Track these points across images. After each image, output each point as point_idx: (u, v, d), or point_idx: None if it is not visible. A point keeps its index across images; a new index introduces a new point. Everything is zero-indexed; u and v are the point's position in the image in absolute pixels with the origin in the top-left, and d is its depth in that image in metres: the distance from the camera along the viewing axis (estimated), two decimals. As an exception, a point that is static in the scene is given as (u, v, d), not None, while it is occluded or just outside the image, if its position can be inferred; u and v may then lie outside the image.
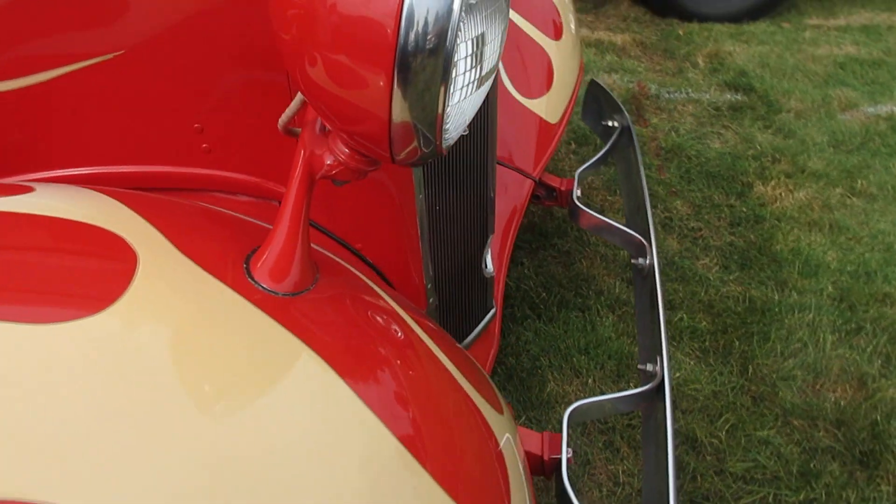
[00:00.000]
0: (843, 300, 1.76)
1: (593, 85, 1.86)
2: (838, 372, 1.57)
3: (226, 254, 0.60)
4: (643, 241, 1.42)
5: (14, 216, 0.55)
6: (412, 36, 0.49)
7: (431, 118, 0.54)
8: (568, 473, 1.00)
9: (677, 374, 1.55)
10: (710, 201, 2.14)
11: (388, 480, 0.53)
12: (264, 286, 0.59)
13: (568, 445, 1.03)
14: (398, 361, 0.63)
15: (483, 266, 1.30)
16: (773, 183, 2.18)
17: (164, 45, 0.76)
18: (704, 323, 1.71)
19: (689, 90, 2.75)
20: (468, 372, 0.76)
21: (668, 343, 1.21)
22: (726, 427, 1.45)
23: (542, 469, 1.03)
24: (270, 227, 0.63)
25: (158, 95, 0.79)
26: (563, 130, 1.65)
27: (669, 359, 1.18)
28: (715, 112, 2.60)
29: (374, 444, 0.53)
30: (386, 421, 0.55)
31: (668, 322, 1.69)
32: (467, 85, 0.56)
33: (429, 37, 0.49)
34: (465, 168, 1.10)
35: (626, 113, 1.76)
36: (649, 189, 2.16)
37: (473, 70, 0.55)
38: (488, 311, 1.36)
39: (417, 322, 0.73)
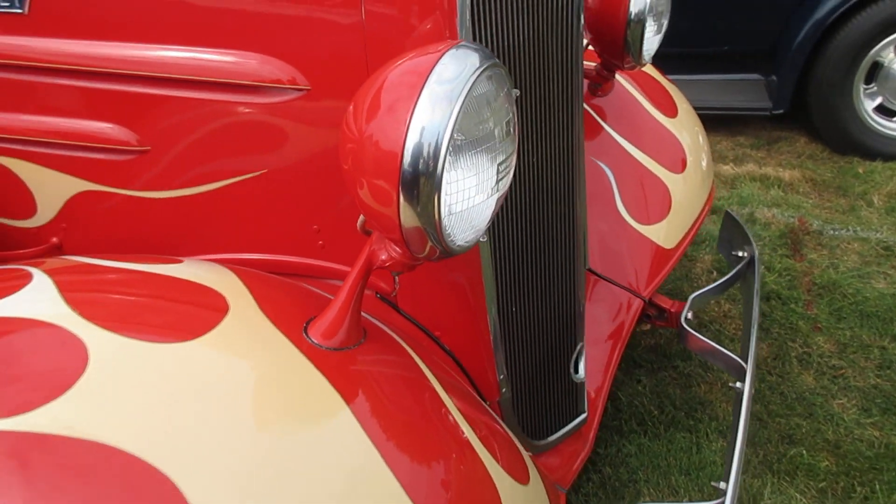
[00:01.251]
0: None
1: (727, 217, 1.94)
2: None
3: (292, 316, 0.83)
4: (743, 364, 1.46)
5: (160, 276, 0.83)
6: (409, 165, 0.70)
7: (432, 225, 0.75)
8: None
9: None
10: (859, 341, 2.06)
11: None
12: (314, 341, 0.81)
13: None
14: (408, 410, 0.81)
15: (572, 371, 1.42)
16: (935, 329, 2.06)
17: (296, 169, 1.04)
18: (826, 462, 1.65)
19: (858, 228, 2.66)
20: (489, 442, 0.91)
21: (740, 467, 1.23)
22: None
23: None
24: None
25: (289, 203, 1.07)
26: (679, 256, 1.75)
27: (738, 482, 1.21)
28: (884, 252, 2.50)
29: (356, 456, 0.71)
30: (377, 445, 0.73)
31: (784, 456, 1.66)
32: (463, 202, 0.75)
33: (421, 166, 0.70)
34: (545, 279, 1.26)
35: (753, 244, 1.82)
36: (792, 323, 2.15)
37: (468, 190, 0.75)
38: (578, 416, 1.46)
39: (446, 389, 0.90)
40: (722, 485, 1.22)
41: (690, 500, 1.55)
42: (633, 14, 1.52)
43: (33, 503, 0.57)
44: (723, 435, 1.72)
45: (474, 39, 0.94)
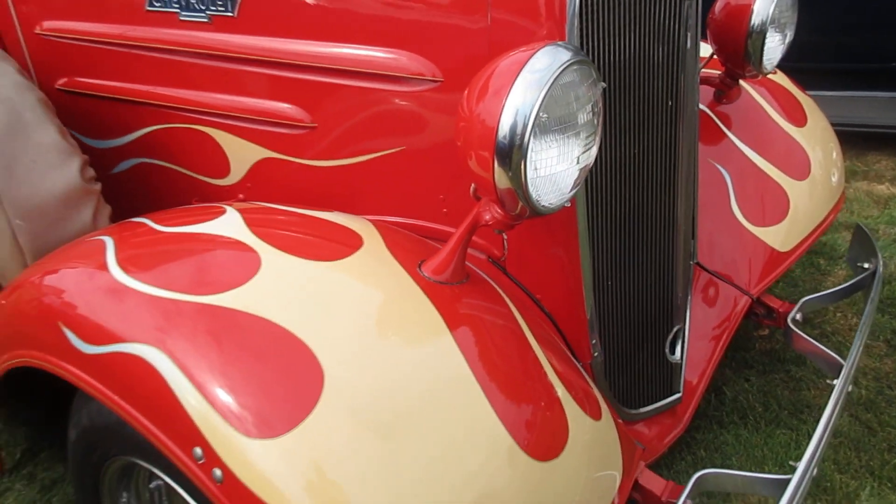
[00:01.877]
0: None
1: (858, 229, 1.96)
2: None
3: (410, 255, 1.05)
4: (841, 362, 1.52)
5: (315, 218, 1.09)
6: (502, 138, 0.90)
7: (521, 187, 0.94)
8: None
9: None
10: None
11: (464, 420, 0.90)
12: (425, 274, 1.03)
13: (689, 498, 1.24)
14: (497, 340, 1.00)
15: (667, 351, 1.54)
16: None
17: (427, 147, 1.27)
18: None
19: None
20: (565, 375, 1.08)
21: (821, 451, 1.31)
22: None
23: (656, 505, 1.25)
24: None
25: (420, 176, 1.29)
26: (793, 260, 1.80)
27: (812, 463, 1.28)
28: None
29: (450, 368, 0.92)
30: (469, 362, 0.93)
31: (888, 463, 1.68)
32: (543, 170, 0.94)
33: (512, 138, 0.90)
34: (641, 262, 1.40)
35: (879, 257, 1.84)
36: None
37: (550, 160, 0.94)
38: (672, 395, 1.58)
39: (536, 337, 1.08)
40: (798, 464, 1.30)
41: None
42: (754, 25, 1.62)
43: (217, 347, 0.83)
44: (825, 437, 1.75)
45: (581, 44, 1.12)
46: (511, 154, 0.92)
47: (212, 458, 0.81)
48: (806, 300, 1.77)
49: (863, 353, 2.08)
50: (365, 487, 0.80)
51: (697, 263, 1.74)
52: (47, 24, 1.48)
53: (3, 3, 1.45)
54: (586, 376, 1.20)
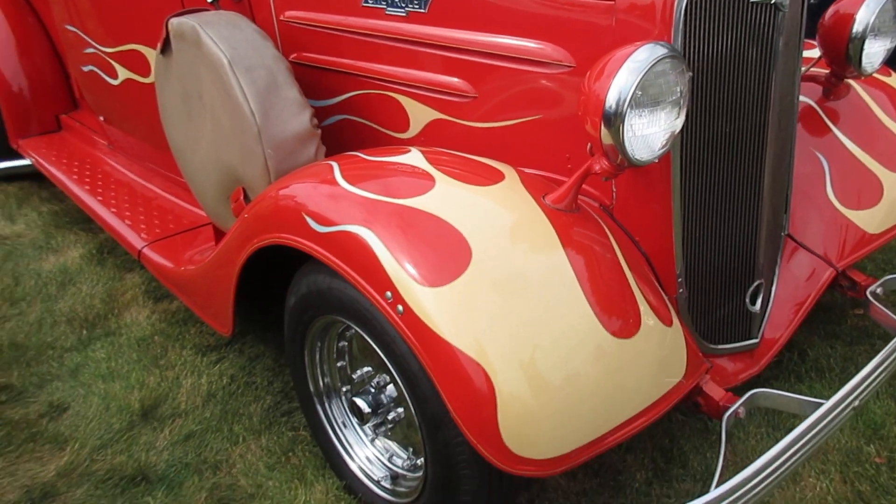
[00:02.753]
0: None
1: None
2: None
3: (537, 189, 1.46)
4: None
5: (472, 160, 1.54)
6: (608, 108, 1.29)
7: (620, 144, 1.32)
8: (729, 422, 1.55)
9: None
10: None
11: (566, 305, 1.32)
12: (546, 202, 1.44)
13: (737, 414, 1.57)
14: (588, 246, 1.40)
15: (748, 301, 1.85)
16: None
17: (560, 118, 1.67)
18: None
19: None
20: (650, 295, 1.46)
21: (868, 386, 1.58)
22: None
23: (716, 412, 1.59)
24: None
25: (553, 138, 1.69)
26: (881, 242, 2.04)
27: (854, 393, 1.57)
28: None
29: (560, 274, 1.33)
30: (576, 271, 1.33)
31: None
32: (638, 131, 1.32)
33: (614, 108, 1.28)
34: (728, 224, 1.72)
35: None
36: None
37: (643, 125, 1.31)
38: (749, 339, 1.88)
39: (629, 264, 1.46)
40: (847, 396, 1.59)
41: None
42: (856, 32, 1.87)
43: (404, 229, 1.30)
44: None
45: (684, 42, 1.47)
46: (613, 119, 1.31)
47: (397, 299, 1.27)
48: (888, 278, 2.01)
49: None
50: (491, 325, 1.23)
51: (789, 235, 2.03)
52: (289, 13, 2.01)
53: (267, 2, 2.00)
54: (665, 296, 1.56)
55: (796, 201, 2.02)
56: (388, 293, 1.29)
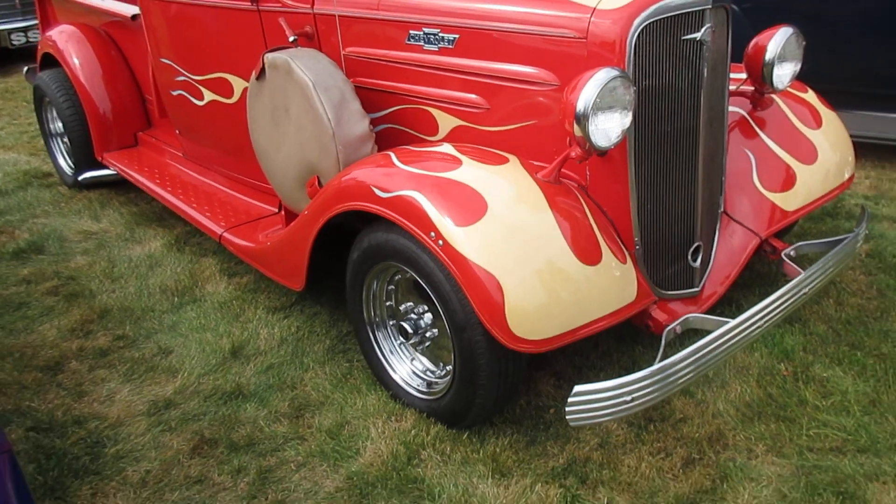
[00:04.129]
0: None
1: (862, 208, 2.80)
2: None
3: (532, 169, 2.12)
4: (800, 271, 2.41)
5: (483, 150, 2.20)
6: (577, 111, 1.95)
7: (587, 135, 1.98)
8: (668, 336, 2.19)
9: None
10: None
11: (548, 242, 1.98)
12: (539, 177, 2.09)
13: (673, 330, 2.21)
14: (566, 204, 2.05)
15: (689, 259, 2.49)
16: None
17: (549, 123, 2.33)
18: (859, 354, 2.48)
19: None
20: (609, 240, 2.10)
21: (771, 312, 2.21)
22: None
23: (659, 329, 2.23)
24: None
25: (544, 136, 2.34)
26: (794, 218, 2.68)
27: (757, 314, 2.20)
28: None
29: (547, 227, 1.98)
30: (558, 223, 1.99)
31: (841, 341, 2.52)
32: (599, 126, 1.97)
33: (582, 111, 1.94)
34: (672, 200, 2.37)
35: (864, 224, 2.67)
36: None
37: (602, 121, 1.97)
38: (691, 288, 2.52)
39: (597, 223, 2.11)
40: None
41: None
42: (768, 58, 2.55)
43: (443, 191, 1.96)
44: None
45: (634, 68, 2.13)
46: (582, 119, 1.97)
47: (438, 235, 1.93)
48: (799, 244, 2.66)
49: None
50: (501, 251, 1.89)
51: (725, 212, 2.67)
52: (350, 48, 2.69)
53: (334, 38, 2.68)
54: (622, 245, 2.20)
55: (730, 187, 2.68)
56: (432, 233, 1.95)
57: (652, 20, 2.12)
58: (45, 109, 4.58)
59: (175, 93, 3.51)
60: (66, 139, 4.49)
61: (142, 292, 3.23)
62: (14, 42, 7.44)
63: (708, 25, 2.21)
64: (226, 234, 3.11)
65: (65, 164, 4.59)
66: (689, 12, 2.19)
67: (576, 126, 2.00)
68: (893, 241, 3.28)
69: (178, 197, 3.56)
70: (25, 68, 5.04)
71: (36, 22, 7.42)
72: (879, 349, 2.55)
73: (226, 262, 3.43)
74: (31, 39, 7.48)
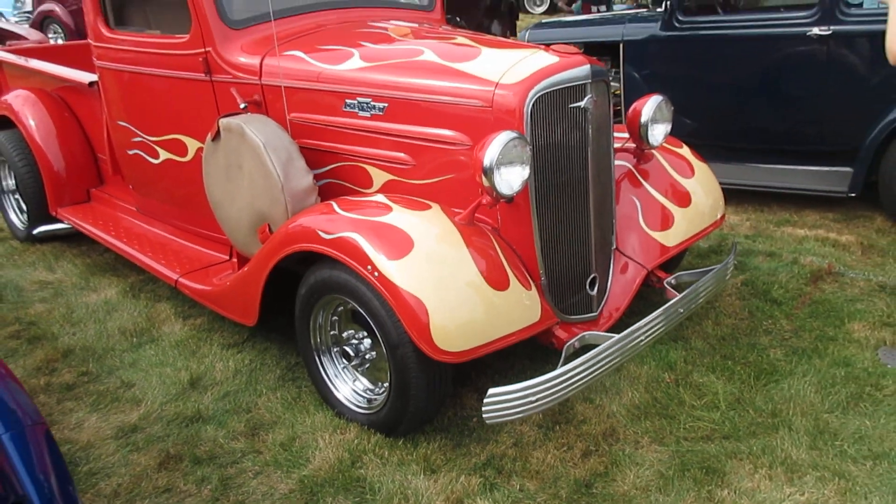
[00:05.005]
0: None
1: (734, 244, 3.35)
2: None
3: (451, 214, 2.57)
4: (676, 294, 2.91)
5: (411, 199, 2.65)
6: (485, 165, 2.41)
7: (493, 184, 2.44)
8: (568, 350, 2.64)
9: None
10: (813, 326, 3.28)
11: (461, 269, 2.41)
12: (456, 220, 2.54)
13: (573, 345, 2.66)
14: (479, 243, 2.49)
15: (587, 288, 2.96)
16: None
17: (465, 176, 2.79)
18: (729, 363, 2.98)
19: (872, 273, 3.77)
20: (517, 271, 2.55)
21: (645, 332, 2.69)
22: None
23: (560, 345, 2.68)
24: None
25: (459, 187, 2.80)
26: (674, 252, 3.20)
27: (639, 334, 2.68)
28: (879, 288, 3.61)
29: (463, 262, 2.42)
30: (473, 258, 2.43)
31: (716, 352, 3.01)
32: (503, 178, 2.44)
33: (488, 165, 2.41)
34: (570, 239, 2.85)
35: (732, 256, 3.22)
36: (773, 314, 3.40)
37: (505, 173, 2.44)
38: (590, 313, 2.98)
39: (506, 259, 2.56)
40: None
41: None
42: (643, 121, 3.10)
43: (377, 232, 2.39)
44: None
45: (531, 130, 2.62)
46: (488, 172, 2.43)
47: (374, 268, 2.34)
48: (679, 274, 3.18)
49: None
50: (427, 281, 2.31)
51: (617, 249, 3.17)
52: (294, 114, 3.11)
53: (280, 105, 3.10)
54: (527, 275, 2.66)
55: (620, 227, 3.18)
56: (369, 266, 2.36)
57: (544, 92, 2.63)
58: (-2, 168, 4.83)
59: (131, 152, 3.85)
60: (17, 196, 4.75)
61: (101, 334, 3.51)
62: (-45, 103, 7.59)
63: (589, 96, 2.73)
64: (181, 279, 3.44)
65: (16, 219, 4.83)
66: (574, 85, 2.71)
67: (484, 178, 2.47)
68: (765, 272, 3.85)
69: (134, 247, 3.87)
70: (-25, 130, 5.29)
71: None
72: (747, 358, 3.06)
73: (179, 306, 3.74)
74: (-28, 101, 7.64)
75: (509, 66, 2.69)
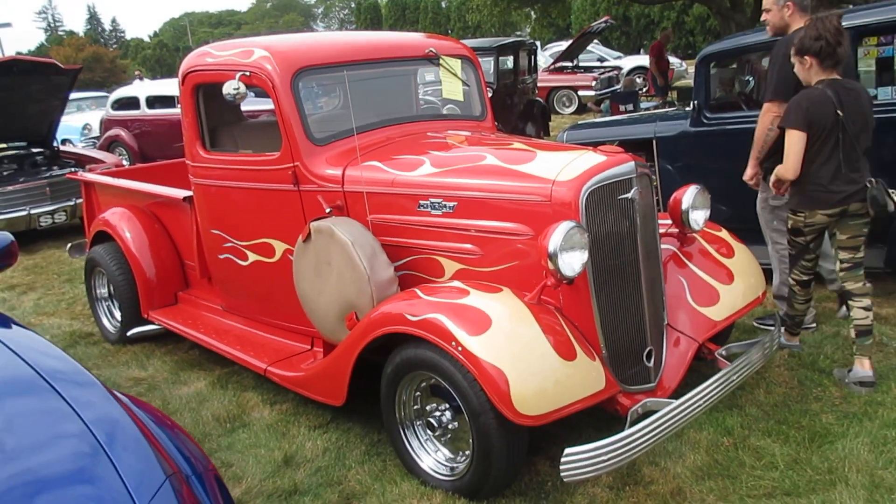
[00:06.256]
0: None
1: (777, 316, 3.62)
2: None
3: (521, 295, 2.91)
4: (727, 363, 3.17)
5: (487, 284, 3.01)
6: (549, 252, 2.77)
7: (557, 268, 2.79)
8: (633, 416, 2.90)
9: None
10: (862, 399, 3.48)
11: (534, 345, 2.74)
12: (526, 300, 2.88)
13: (636, 411, 2.93)
14: (548, 320, 2.82)
15: (644, 359, 3.24)
16: None
17: (530, 263, 3.14)
18: (781, 433, 3.18)
19: (914, 342, 3.96)
20: (581, 345, 2.85)
21: (704, 398, 2.94)
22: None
23: (625, 411, 2.94)
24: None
25: (526, 273, 3.15)
26: (724, 325, 3.47)
27: (697, 400, 2.94)
28: (921, 356, 3.80)
29: (536, 336, 2.75)
30: (544, 331, 2.75)
31: (770, 418, 3.22)
32: (565, 262, 2.79)
33: (553, 251, 2.77)
34: (625, 315, 3.16)
35: (776, 329, 3.48)
36: (821, 380, 3.61)
37: (568, 257, 2.79)
38: (648, 383, 3.24)
39: (572, 333, 2.88)
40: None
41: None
42: (684, 209, 3.45)
43: (461, 314, 2.74)
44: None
45: (587, 220, 2.99)
46: (553, 257, 2.79)
47: (458, 344, 2.67)
48: (729, 346, 3.44)
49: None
50: (505, 353, 2.63)
51: (669, 325, 3.46)
52: (374, 216, 3.54)
53: (361, 208, 3.53)
54: (590, 347, 2.95)
55: (671, 305, 3.48)
56: (453, 342, 2.69)
57: (595, 186, 3.02)
58: (94, 277, 5.34)
59: (222, 256, 4.31)
60: (108, 302, 5.24)
61: (198, 421, 3.85)
62: (42, 224, 8.33)
63: (635, 188, 3.11)
64: (270, 368, 3.80)
65: (108, 323, 5.29)
66: (621, 180, 3.09)
67: (549, 262, 2.82)
68: (810, 345, 4.07)
69: (222, 342, 4.26)
70: (69, 245, 5.88)
71: (62, 205, 8.37)
72: (800, 422, 3.26)
73: (265, 394, 4.08)
74: (56, 220, 8.39)
75: (563, 166, 3.10)
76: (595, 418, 3.21)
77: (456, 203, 3.31)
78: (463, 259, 3.32)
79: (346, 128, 3.78)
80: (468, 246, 3.30)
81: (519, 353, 2.69)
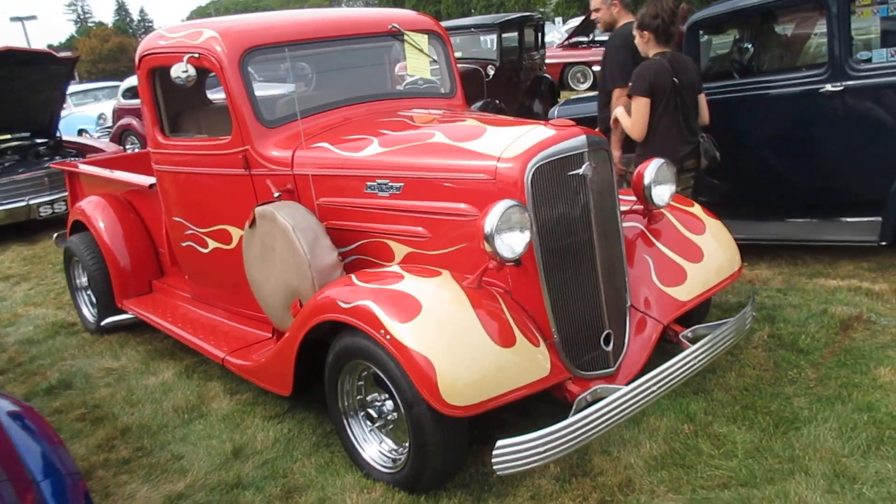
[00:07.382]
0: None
1: (752, 296, 3.42)
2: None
3: (460, 279, 2.76)
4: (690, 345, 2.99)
5: (426, 268, 2.86)
6: (486, 232, 2.62)
7: (494, 250, 2.64)
8: (580, 404, 2.74)
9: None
10: (840, 375, 3.28)
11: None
12: (464, 284, 2.73)
13: (585, 399, 2.77)
14: (486, 303, 2.67)
15: (602, 343, 3.07)
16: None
17: (474, 245, 2.99)
18: (752, 412, 3.00)
19: (905, 320, 3.73)
20: (524, 329, 2.70)
21: (665, 378, 2.78)
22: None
23: (572, 398, 2.79)
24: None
25: (470, 255, 3.00)
26: (691, 306, 3.29)
27: (650, 385, 2.77)
28: (912, 334, 3.57)
29: (471, 323, 2.60)
30: (479, 318, 2.61)
31: (735, 403, 3.04)
32: (504, 243, 2.63)
33: (489, 231, 2.61)
34: (580, 297, 2.99)
35: (750, 307, 3.28)
36: (799, 363, 3.42)
37: (506, 238, 2.63)
38: (605, 369, 3.08)
39: (512, 315, 2.72)
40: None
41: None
42: (646, 184, 3.26)
43: (391, 300, 2.60)
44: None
45: (533, 198, 2.82)
46: (490, 238, 2.64)
47: (385, 332, 2.54)
48: (695, 327, 3.25)
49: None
50: (434, 341, 2.49)
51: (632, 306, 3.28)
52: (322, 199, 3.41)
53: (309, 192, 3.41)
54: (536, 332, 2.80)
55: (635, 285, 3.30)
56: (382, 330, 2.56)
57: (542, 162, 2.84)
58: (73, 267, 5.31)
59: (185, 244, 4.23)
60: (88, 292, 5.20)
61: (157, 412, 3.79)
62: (41, 213, 8.36)
63: (588, 163, 2.93)
64: (227, 357, 3.70)
65: (88, 313, 5.26)
66: (571, 154, 2.91)
67: (486, 244, 2.67)
68: (794, 323, 3.86)
69: (188, 331, 4.18)
70: (55, 235, 5.85)
71: (61, 195, 8.38)
72: (768, 407, 3.08)
73: (228, 384, 4.00)
74: (56, 210, 8.41)
75: (510, 142, 2.93)
76: (553, 406, 3.06)
77: (402, 184, 3.16)
78: (412, 242, 3.18)
79: (303, 108, 3.66)
80: (417, 228, 3.15)
81: (450, 339, 2.55)
